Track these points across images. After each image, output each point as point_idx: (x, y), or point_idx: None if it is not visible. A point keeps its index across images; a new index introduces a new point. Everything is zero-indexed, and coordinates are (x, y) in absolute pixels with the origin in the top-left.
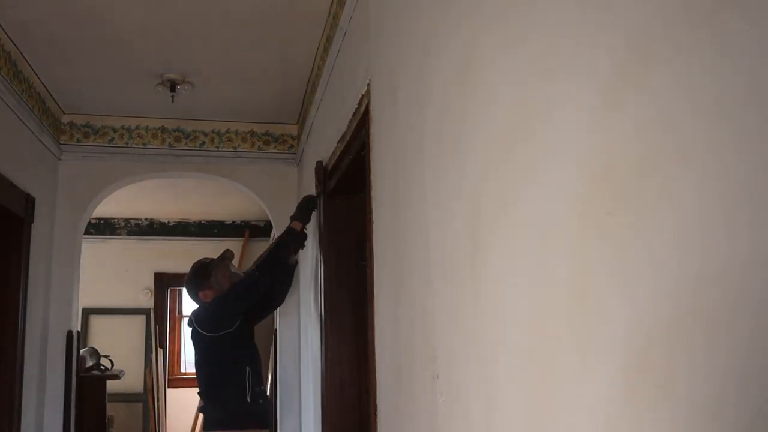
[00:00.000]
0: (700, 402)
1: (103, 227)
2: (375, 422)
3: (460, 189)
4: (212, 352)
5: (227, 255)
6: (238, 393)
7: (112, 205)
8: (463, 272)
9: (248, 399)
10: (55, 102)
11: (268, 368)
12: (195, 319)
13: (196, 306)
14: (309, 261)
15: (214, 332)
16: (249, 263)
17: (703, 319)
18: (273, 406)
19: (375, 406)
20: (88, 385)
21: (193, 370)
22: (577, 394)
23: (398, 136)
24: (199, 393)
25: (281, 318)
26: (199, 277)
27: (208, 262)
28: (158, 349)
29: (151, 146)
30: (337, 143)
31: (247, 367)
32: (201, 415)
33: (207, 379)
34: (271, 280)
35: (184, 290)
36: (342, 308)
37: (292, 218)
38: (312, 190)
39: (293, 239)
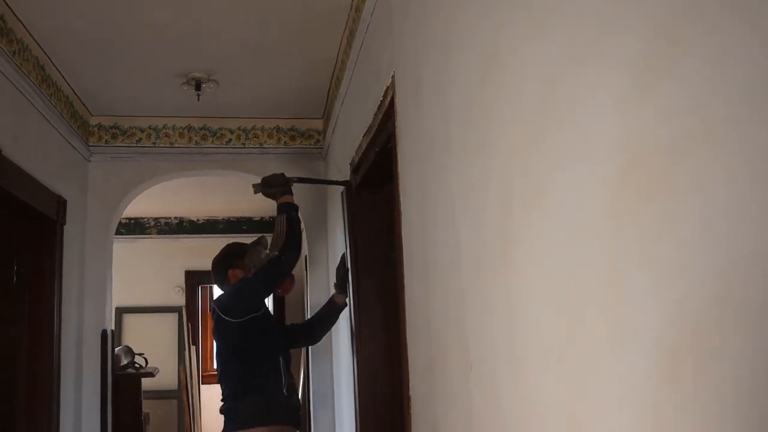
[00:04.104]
0: (734, 391)
1: (134, 227)
2: (408, 414)
3: (489, 180)
4: (240, 340)
5: (262, 241)
6: (275, 385)
7: (142, 205)
8: (494, 264)
9: (285, 392)
10: (83, 104)
11: (300, 363)
12: (218, 305)
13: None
14: (338, 255)
15: (239, 317)
16: None
17: (735, 306)
18: (307, 400)
19: (408, 398)
20: (123, 383)
21: None
22: (612, 387)
23: (424, 127)
24: (223, 390)
25: (311, 311)
26: (232, 256)
27: (242, 244)
28: (191, 346)
29: (178, 145)
30: (363, 136)
31: (281, 357)
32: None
33: (239, 371)
34: (296, 258)
35: (215, 287)
36: (372, 301)
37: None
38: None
39: (294, 208)
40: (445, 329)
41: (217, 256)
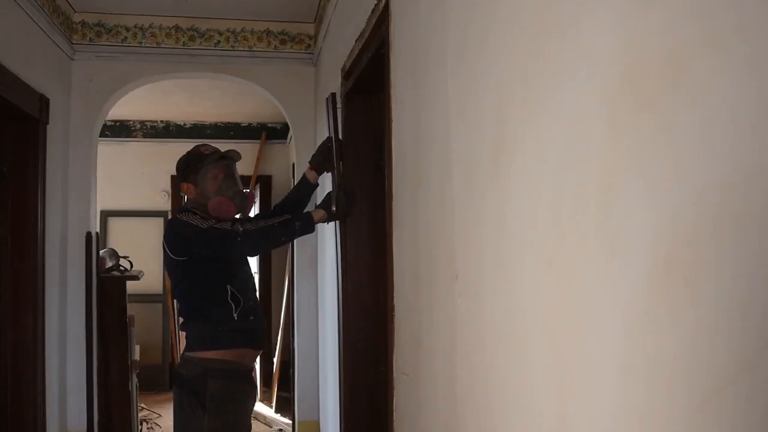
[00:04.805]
0: (727, 303)
1: (119, 130)
2: (392, 323)
3: (486, 86)
4: (181, 274)
5: (231, 155)
6: (222, 311)
7: (128, 107)
8: (485, 171)
9: (235, 316)
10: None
11: (285, 272)
12: (164, 235)
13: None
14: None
15: (177, 256)
16: (266, 166)
17: (733, 220)
18: (291, 309)
19: (393, 307)
20: (108, 286)
21: None
22: (602, 297)
23: (420, 32)
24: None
25: None
26: (189, 169)
27: (207, 153)
28: None
29: (165, 45)
30: (355, 42)
31: (228, 286)
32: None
33: (184, 297)
34: (253, 253)
35: None
36: (360, 210)
37: (318, 208)
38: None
39: (304, 226)
40: (432, 238)
41: (179, 161)
